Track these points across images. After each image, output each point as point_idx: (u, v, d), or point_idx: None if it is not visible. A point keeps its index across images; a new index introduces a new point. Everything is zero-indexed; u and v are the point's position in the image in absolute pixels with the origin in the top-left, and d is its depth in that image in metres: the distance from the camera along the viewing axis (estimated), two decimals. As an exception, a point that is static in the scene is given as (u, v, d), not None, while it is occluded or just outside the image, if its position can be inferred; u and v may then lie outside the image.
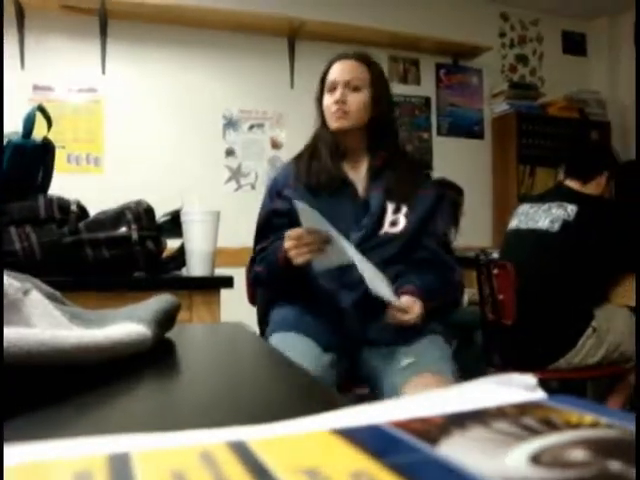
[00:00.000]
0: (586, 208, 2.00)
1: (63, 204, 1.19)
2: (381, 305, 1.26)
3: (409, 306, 1.26)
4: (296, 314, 1.38)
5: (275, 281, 1.41)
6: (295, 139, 3.56)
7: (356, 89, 1.40)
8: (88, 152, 3.15)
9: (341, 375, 1.34)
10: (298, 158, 1.49)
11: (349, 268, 1.24)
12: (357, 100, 1.40)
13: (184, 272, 1.35)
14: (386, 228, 1.37)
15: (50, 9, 3.04)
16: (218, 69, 3.43)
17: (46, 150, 1.26)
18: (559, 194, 2.11)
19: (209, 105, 3.38)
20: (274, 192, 1.47)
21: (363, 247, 1.30)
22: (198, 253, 1.27)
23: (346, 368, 1.37)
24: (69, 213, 1.18)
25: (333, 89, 1.42)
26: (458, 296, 1.51)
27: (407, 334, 1.30)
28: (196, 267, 1.28)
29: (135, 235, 1.18)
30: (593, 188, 2.11)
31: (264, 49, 3.50)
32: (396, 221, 1.37)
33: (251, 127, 3.48)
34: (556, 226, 2.00)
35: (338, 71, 1.42)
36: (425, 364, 1.24)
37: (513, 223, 2.24)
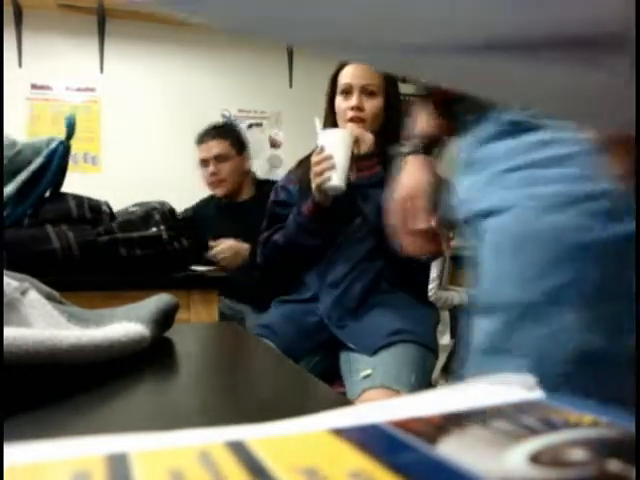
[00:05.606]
0: None
1: (93, 205, 1.23)
2: (356, 307, 1.30)
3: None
4: (277, 320, 1.40)
5: (296, 243, 1.40)
6: (294, 138, 3.56)
7: (372, 94, 1.37)
8: (86, 151, 3.15)
9: (320, 374, 1.34)
10: (300, 163, 1.51)
11: (333, 266, 1.33)
12: (373, 106, 1.37)
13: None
14: None
15: (48, 8, 3.03)
16: (217, 68, 3.43)
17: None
18: None
19: (208, 104, 3.38)
20: (279, 186, 1.52)
21: (350, 240, 1.36)
22: None
23: (324, 366, 1.37)
24: (100, 213, 1.23)
25: (347, 93, 1.38)
26: None
27: (372, 342, 1.26)
28: None
29: (165, 235, 1.23)
30: None
31: (263, 48, 3.50)
32: None
33: (250, 126, 3.48)
34: None
35: (353, 74, 1.38)
36: (380, 378, 1.20)
37: None
